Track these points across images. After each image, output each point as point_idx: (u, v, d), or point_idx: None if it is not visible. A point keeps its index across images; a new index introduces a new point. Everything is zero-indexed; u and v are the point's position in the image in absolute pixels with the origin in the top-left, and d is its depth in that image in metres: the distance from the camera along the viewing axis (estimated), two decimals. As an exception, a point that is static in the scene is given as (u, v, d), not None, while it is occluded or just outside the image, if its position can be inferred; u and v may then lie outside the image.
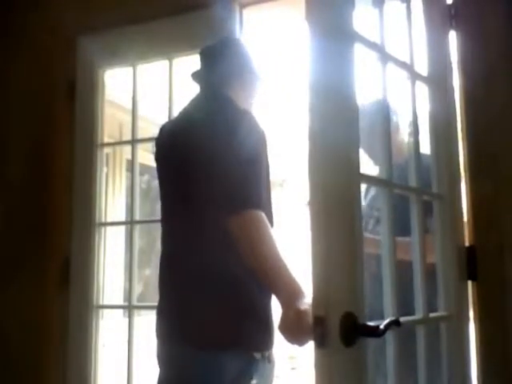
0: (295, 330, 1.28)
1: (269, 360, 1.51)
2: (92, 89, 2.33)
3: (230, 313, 1.43)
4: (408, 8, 1.61)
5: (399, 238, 1.42)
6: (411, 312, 1.48)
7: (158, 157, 1.70)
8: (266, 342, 1.49)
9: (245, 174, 1.42)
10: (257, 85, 1.73)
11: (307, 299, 1.31)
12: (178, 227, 1.57)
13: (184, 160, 1.53)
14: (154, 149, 1.73)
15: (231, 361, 1.41)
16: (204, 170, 1.47)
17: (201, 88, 1.71)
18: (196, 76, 1.73)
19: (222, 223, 1.41)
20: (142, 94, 2.31)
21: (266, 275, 1.39)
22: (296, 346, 1.31)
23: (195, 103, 1.67)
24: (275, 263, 1.37)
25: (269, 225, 1.42)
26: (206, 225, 1.48)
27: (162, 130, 1.73)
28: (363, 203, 2.14)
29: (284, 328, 1.30)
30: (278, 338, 1.35)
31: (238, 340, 1.42)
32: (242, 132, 1.46)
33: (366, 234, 1.98)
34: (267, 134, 1.53)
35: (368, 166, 2.13)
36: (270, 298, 1.49)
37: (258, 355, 1.45)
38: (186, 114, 1.67)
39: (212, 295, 1.44)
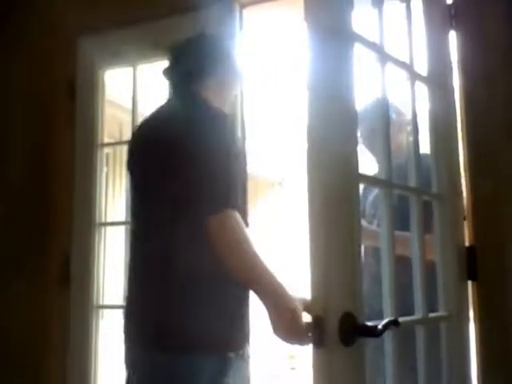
0: (292, 329, 1.26)
1: (243, 357, 1.47)
2: (92, 89, 2.33)
3: (203, 314, 1.38)
4: (408, 8, 1.61)
5: (398, 233, 1.42)
6: (411, 312, 1.48)
7: (131, 159, 1.61)
8: (239, 342, 1.46)
9: (219, 174, 1.37)
10: (234, 81, 1.68)
11: (292, 296, 1.31)
12: (149, 228, 1.50)
13: (155, 163, 1.46)
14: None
15: (205, 362, 1.37)
16: (176, 172, 1.40)
17: (169, 86, 1.65)
18: (165, 73, 1.65)
19: (197, 224, 1.35)
20: (141, 93, 2.31)
21: (247, 275, 1.35)
22: (296, 346, 1.29)
23: (166, 102, 1.61)
24: (257, 263, 1.34)
25: (244, 225, 1.38)
26: (178, 225, 1.42)
27: (140, 128, 1.64)
28: (364, 202, 2.14)
29: (280, 328, 1.28)
30: (277, 339, 1.33)
31: (211, 342, 1.38)
32: (210, 132, 1.41)
33: (365, 225, 1.97)
34: (239, 136, 1.47)
35: (371, 162, 2.13)
36: (244, 296, 1.45)
37: (232, 354, 1.41)
38: (156, 115, 1.60)
39: (184, 296, 1.39)
